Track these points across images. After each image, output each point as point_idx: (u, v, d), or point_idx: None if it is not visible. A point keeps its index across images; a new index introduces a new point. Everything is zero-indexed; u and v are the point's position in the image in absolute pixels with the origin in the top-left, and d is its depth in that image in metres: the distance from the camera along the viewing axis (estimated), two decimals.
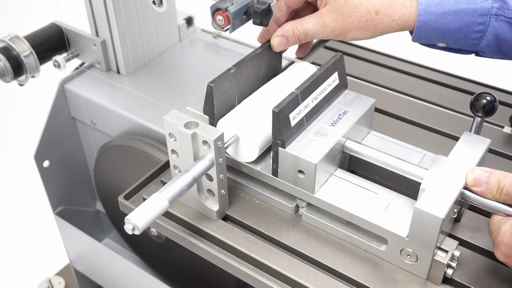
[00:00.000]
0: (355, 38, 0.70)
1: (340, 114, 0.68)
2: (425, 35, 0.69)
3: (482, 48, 0.69)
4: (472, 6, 0.66)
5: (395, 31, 0.69)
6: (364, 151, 0.66)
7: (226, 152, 0.67)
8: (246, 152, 0.67)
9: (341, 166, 0.68)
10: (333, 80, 0.69)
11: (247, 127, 0.66)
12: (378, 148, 0.66)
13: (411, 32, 0.70)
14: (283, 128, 0.61)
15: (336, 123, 0.66)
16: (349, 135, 0.66)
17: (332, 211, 0.63)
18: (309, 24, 0.70)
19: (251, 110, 0.68)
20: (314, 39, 0.71)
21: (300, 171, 0.62)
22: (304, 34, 0.70)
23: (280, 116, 0.60)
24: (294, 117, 0.63)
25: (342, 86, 0.71)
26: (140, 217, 0.55)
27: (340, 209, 0.62)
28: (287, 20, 0.73)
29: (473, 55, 0.73)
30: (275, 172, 0.65)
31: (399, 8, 0.67)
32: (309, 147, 0.62)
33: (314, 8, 0.74)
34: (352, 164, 0.71)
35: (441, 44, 0.70)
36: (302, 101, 0.64)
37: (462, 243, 0.63)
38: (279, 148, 0.62)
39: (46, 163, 1.09)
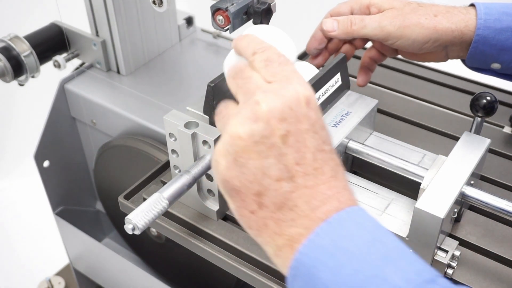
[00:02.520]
0: (415, 37, 0.67)
1: (342, 115, 0.68)
2: (481, 52, 0.68)
3: None
4: None
5: (454, 36, 0.67)
6: (367, 152, 0.66)
7: None
8: None
9: (343, 167, 0.67)
10: (336, 81, 0.69)
11: None
12: (378, 149, 0.67)
13: (463, 61, 0.70)
14: None
15: (338, 124, 0.66)
16: (352, 136, 0.66)
17: None
18: (366, 16, 0.69)
19: None
20: (368, 32, 0.68)
21: None
22: (360, 19, 0.68)
23: None
24: None
25: (344, 87, 0.71)
26: (140, 217, 0.55)
27: None
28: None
29: None
30: None
31: (457, 14, 0.68)
32: None
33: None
34: (354, 164, 0.71)
35: (495, 65, 0.69)
36: None
37: (462, 243, 0.63)
38: None
39: (46, 163, 1.09)
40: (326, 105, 0.68)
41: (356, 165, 0.70)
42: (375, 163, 0.66)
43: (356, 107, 0.69)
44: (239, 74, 0.47)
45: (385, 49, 0.75)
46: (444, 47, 0.70)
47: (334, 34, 0.70)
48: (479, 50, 0.68)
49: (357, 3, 0.72)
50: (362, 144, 0.67)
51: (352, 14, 0.72)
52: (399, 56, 0.76)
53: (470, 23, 0.67)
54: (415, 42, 0.67)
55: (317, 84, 0.65)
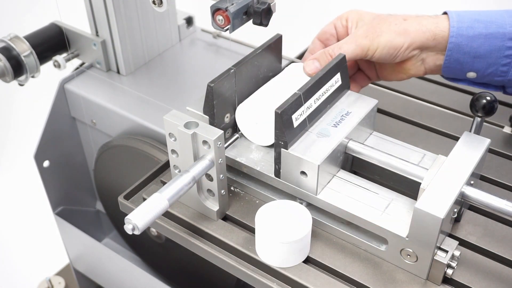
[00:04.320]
0: (390, 44, 0.69)
1: (342, 115, 0.68)
2: (456, 60, 0.69)
3: None
4: (502, 30, 0.67)
5: (426, 38, 0.69)
6: (367, 152, 0.66)
7: (226, 153, 0.67)
8: (264, 136, 0.68)
9: (343, 167, 0.68)
10: (336, 81, 0.69)
11: (266, 112, 0.67)
12: (378, 149, 0.67)
13: (441, 73, 0.72)
14: (285, 129, 0.61)
15: (338, 124, 0.66)
16: (352, 136, 0.66)
17: (333, 212, 0.63)
18: (341, 42, 0.71)
19: (269, 97, 0.70)
20: (349, 55, 0.70)
21: (303, 173, 0.62)
22: (337, 47, 0.70)
23: (282, 117, 0.60)
24: (297, 118, 0.63)
25: (344, 87, 0.71)
26: (140, 217, 0.55)
27: (341, 209, 0.62)
28: None
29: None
30: (277, 173, 0.65)
31: (426, 18, 0.70)
32: (312, 148, 0.62)
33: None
34: (353, 164, 0.71)
35: (471, 74, 0.71)
36: (304, 102, 0.64)
37: (462, 243, 0.63)
38: (282, 149, 0.62)
39: (46, 163, 1.09)
40: (326, 105, 0.68)
41: (356, 165, 0.70)
42: (375, 163, 0.66)
43: (356, 107, 0.69)
44: None
45: (369, 72, 0.78)
46: (420, 53, 0.71)
47: (312, 73, 0.72)
48: (454, 58, 0.70)
49: (338, 21, 0.75)
50: (362, 144, 0.67)
51: (336, 31, 0.75)
52: None
53: (441, 26, 0.69)
54: (391, 48, 0.69)
55: (317, 84, 0.65)
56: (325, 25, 0.76)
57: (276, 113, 0.60)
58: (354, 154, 0.67)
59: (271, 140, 0.67)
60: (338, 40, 0.75)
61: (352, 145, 0.66)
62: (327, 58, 0.70)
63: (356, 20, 0.73)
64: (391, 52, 0.70)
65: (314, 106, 0.65)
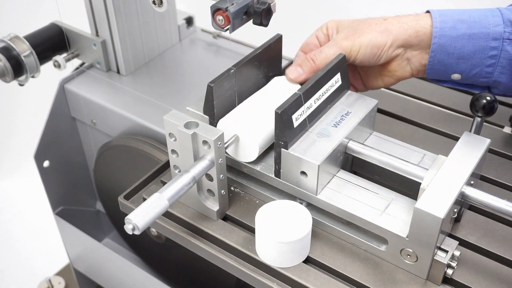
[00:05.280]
0: (372, 43, 0.68)
1: (342, 115, 0.68)
2: (440, 61, 0.69)
3: (497, 77, 0.69)
4: (485, 30, 0.67)
5: (409, 35, 0.68)
6: (367, 152, 0.66)
7: (226, 152, 0.67)
8: (247, 152, 0.67)
9: (344, 167, 0.68)
10: (336, 81, 0.69)
11: (247, 127, 0.66)
12: (378, 149, 0.67)
13: (426, 74, 0.71)
14: (285, 129, 0.61)
15: (338, 124, 0.66)
16: (352, 136, 0.66)
17: (333, 212, 0.63)
18: (322, 47, 0.70)
19: (251, 110, 0.68)
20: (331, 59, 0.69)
21: (303, 173, 0.62)
22: (319, 52, 0.70)
23: (282, 117, 0.60)
24: (297, 118, 0.63)
25: (344, 87, 0.71)
26: (140, 217, 0.55)
27: (341, 209, 0.62)
28: None
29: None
30: (277, 173, 0.65)
31: (407, 16, 0.70)
32: (312, 148, 0.62)
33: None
34: (353, 164, 0.71)
35: (455, 76, 0.70)
36: (304, 102, 0.63)
37: (462, 243, 0.63)
38: (282, 149, 0.62)
39: (46, 163, 1.09)
40: (326, 105, 0.68)
41: (356, 165, 0.70)
42: (375, 163, 0.66)
43: (356, 107, 0.69)
44: None
45: (355, 82, 0.77)
46: (404, 51, 0.70)
47: (303, 78, 0.71)
48: (437, 60, 0.69)
49: (319, 31, 0.74)
50: (362, 144, 0.67)
51: (318, 41, 0.74)
52: None
53: (422, 22, 0.68)
54: (374, 47, 0.69)
55: (317, 84, 0.65)
56: (307, 37, 0.75)
57: (276, 113, 0.60)
58: (354, 154, 0.67)
59: (255, 155, 0.66)
60: None
61: (352, 145, 0.66)
62: (309, 64, 0.70)
63: (336, 26, 0.73)
64: (374, 51, 0.69)
65: (314, 106, 0.65)
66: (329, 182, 0.65)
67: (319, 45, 0.74)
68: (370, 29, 0.69)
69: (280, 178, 0.65)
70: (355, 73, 0.77)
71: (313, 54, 0.70)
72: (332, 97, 0.68)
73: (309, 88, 0.64)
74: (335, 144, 0.63)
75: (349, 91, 0.72)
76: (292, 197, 0.66)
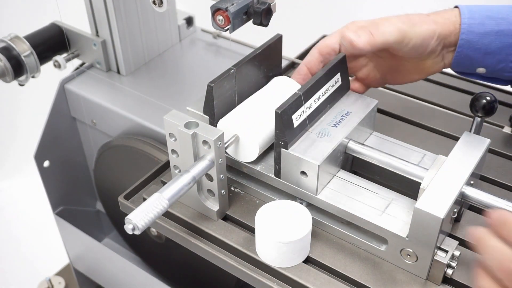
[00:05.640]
0: (424, 32, 0.66)
1: (342, 115, 0.68)
2: (466, 56, 0.69)
3: None
4: None
5: (433, 30, 0.67)
6: (367, 152, 0.66)
7: (226, 152, 0.67)
8: (247, 152, 0.67)
9: (343, 167, 0.68)
10: (336, 81, 0.69)
11: (247, 127, 0.66)
12: (378, 149, 0.67)
13: (451, 66, 0.71)
14: (285, 129, 0.61)
15: (338, 124, 0.66)
16: (352, 136, 0.66)
17: (333, 212, 0.63)
18: (380, 25, 0.68)
19: (251, 110, 0.68)
20: (387, 41, 0.67)
21: (303, 173, 0.62)
22: (375, 28, 0.66)
23: (283, 117, 0.60)
24: (297, 118, 0.63)
25: (344, 87, 0.71)
26: (140, 217, 0.55)
27: (341, 209, 0.62)
28: None
29: (509, 86, 0.74)
30: (277, 173, 0.65)
31: (442, 12, 0.69)
32: (312, 148, 0.62)
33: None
34: (353, 164, 0.71)
35: (480, 70, 0.71)
36: (305, 102, 0.64)
37: (462, 243, 0.63)
38: (282, 149, 0.62)
39: (46, 163, 1.09)
40: (326, 105, 0.68)
41: (356, 165, 0.70)
42: (375, 163, 0.66)
43: (356, 107, 0.69)
44: None
45: (371, 78, 0.75)
46: (441, 47, 0.70)
47: (361, 45, 0.67)
48: (464, 54, 0.69)
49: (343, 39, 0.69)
50: (362, 144, 0.67)
51: (340, 48, 0.70)
52: None
53: (447, 17, 0.68)
54: (424, 39, 0.67)
55: (317, 84, 0.65)
56: (327, 38, 0.70)
57: (276, 113, 0.60)
58: (354, 154, 0.67)
59: (255, 155, 0.66)
60: None
61: (352, 145, 0.66)
62: (369, 35, 0.66)
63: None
64: (424, 43, 0.67)
65: (314, 106, 0.65)
66: (329, 182, 0.65)
67: (338, 52, 0.70)
68: (420, 21, 0.67)
69: (280, 178, 0.65)
70: (376, 67, 0.74)
71: (370, 27, 0.67)
72: (332, 97, 0.68)
73: (309, 88, 0.64)
74: (335, 144, 0.63)
75: (349, 91, 0.72)
76: (292, 197, 0.66)
